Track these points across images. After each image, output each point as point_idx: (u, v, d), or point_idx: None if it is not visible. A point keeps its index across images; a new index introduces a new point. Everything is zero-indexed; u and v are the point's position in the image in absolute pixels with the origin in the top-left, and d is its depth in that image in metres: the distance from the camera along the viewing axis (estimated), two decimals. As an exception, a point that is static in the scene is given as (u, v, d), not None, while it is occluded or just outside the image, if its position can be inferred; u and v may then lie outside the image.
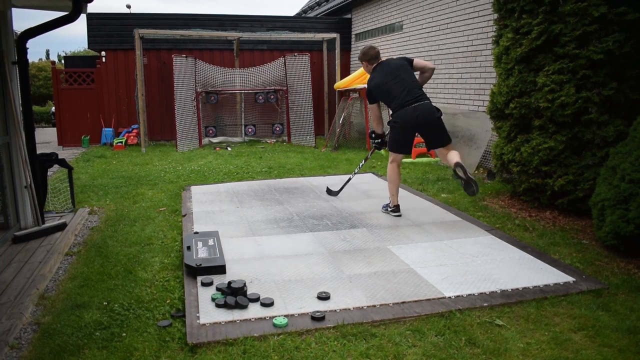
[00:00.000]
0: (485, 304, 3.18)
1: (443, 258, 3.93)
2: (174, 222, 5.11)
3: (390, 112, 4.97)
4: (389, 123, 4.99)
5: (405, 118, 4.72)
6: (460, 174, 4.53)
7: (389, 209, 5.11)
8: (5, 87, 4.58)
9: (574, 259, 3.93)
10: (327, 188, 5.97)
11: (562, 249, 4.16)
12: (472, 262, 3.84)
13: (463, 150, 7.47)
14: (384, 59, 5.10)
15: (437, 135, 4.79)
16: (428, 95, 8.80)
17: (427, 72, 4.97)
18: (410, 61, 4.95)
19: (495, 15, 5.51)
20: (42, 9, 5.24)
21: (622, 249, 3.93)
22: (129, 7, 23.93)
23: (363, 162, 5.86)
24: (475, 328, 2.92)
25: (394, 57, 5.26)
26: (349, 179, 5.87)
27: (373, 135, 5.36)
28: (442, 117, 4.80)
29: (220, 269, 3.65)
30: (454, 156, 4.67)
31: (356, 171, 5.89)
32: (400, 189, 6.24)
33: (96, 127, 11.56)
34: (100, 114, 11.56)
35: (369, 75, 5.10)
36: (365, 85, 9.80)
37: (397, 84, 4.80)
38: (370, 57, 5.04)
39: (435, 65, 5.16)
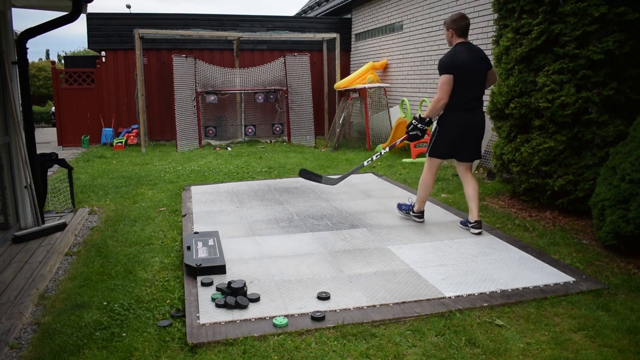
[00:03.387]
0: (485, 304, 3.18)
1: (443, 258, 3.93)
2: (174, 222, 5.11)
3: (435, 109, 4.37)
4: (438, 122, 4.49)
5: (462, 123, 4.31)
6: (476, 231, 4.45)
7: (412, 213, 4.80)
8: (5, 87, 4.58)
9: (574, 259, 3.93)
10: (321, 178, 5.07)
11: (562, 249, 4.16)
12: (472, 262, 3.84)
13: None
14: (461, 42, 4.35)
15: (475, 148, 4.47)
16: (427, 94, 8.77)
17: (489, 83, 4.50)
18: (489, 65, 4.39)
19: (495, 15, 5.51)
20: (42, 9, 5.25)
21: (622, 249, 3.93)
22: (129, 7, 23.98)
23: (381, 153, 4.95)
24: (475, 328, 2.92)
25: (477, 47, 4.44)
26: (357, 168, 5.09)
27: (418, 116, 4.49)
28: None
29: (220, 269, 3.65)
30: (474, 200, 4.45)
31: (365, 163, 5.02)
32: (400, 189, 6.26)
33: (96, 127, 11.56)
34: (100, 114, 11.57)
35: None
36: (365, 85, 10.00)
37: (473, 78, 4.26)
38: (459, 27, 4.29)
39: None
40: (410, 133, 4.56)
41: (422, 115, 4.49)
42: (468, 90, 4.26)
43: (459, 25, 4.28)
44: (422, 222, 4.76)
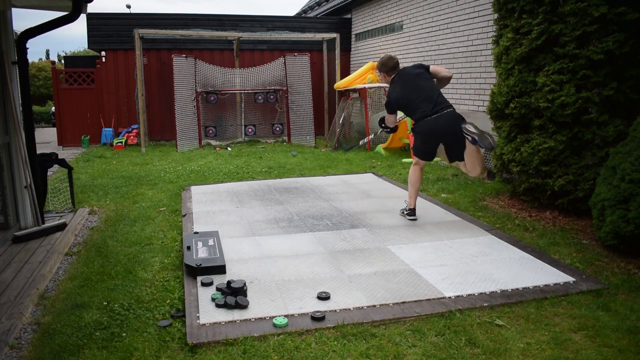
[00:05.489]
0: (485, 304, 3.18)
1: (443, 258, 3.93)
2: (174, 222, 5.11)
3: (413, 121, 4.86)
4: (412, 129, 4.90)
5: (426, 129, 4.65)
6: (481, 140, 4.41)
7: (405, 212, 5.01)
8: (5, 87, 4.58)
9: (574, 259, 3.93)
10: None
11: (562, 249, 4.16)
12: (472, 262, 3.84)
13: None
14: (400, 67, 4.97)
15: (458, 147, 4.58)
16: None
17: (443, 81, 4.84)
18: (426, 68, 4.80)
19: (495, 15, 5.51)
20: (42, 9, 5.24)
21: (622, 249, 3.93)
22: (129, 7, 23.96)
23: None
24: (475, 328, 2.92)
25: (409, 66, 5.00)
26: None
27: (383, 124, 5.17)
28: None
29: (220, 269, 3.65)
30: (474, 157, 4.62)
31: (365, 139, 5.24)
32: (400, 189, 6.26)
33: (96, 127, 11.56)
34: (100, 114, 11.57)
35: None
36: (365, 85, 10.01)
37: (418, 94, 4.67)
38: (389, 68, 4.88)
39: (452, 74, 4.89)
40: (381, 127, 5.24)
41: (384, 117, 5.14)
42: (418, 105, 4.63)
43: (388, 66, 4.86)
44: (415, 219, 4.91)
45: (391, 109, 4.93)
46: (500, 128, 5.43)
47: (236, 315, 3.04)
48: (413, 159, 4.98)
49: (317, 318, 2.97)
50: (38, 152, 5.04)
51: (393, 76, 4.88)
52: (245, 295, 3.23)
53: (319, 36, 11.63)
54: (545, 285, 3.43)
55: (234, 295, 3.19)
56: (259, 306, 3.14)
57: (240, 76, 11.27)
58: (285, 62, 11.18)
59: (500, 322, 2.98)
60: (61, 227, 4.75)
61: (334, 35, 11.33)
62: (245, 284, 3.31)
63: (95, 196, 6.28)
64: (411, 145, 5.18)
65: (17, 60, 4.70)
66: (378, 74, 5.06)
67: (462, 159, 4.63)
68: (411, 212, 4.94)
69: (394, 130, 5.22)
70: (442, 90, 4.79)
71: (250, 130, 11.51)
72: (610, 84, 4.49)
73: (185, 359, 2.67)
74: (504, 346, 2.73)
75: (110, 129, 11.39)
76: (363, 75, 10.57)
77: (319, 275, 3.62)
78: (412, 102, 4.69)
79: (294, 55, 11.18)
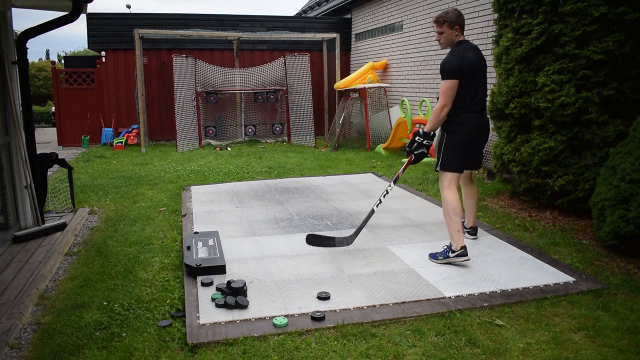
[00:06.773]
0: (485, 304, 3.18)
1: (443, 258, 3.93)
2: (174, 222, 5.11)
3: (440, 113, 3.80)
4: (444, 129, 3.87)
5: (474, 124, 3.81)
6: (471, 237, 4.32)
7: (452, 254, 3.76)
8: (5, 87, 4.58)
9: (574, 259, 3.93)
10: (334, 241, 4.09)
11: (562, 249, 4.16)
12: (472, 262, 3.84)
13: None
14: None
15: (480, 155, 4.12)
16: (427, 94, 8.77)
17: None
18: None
19: (495, 15, 5.51)
20: (42, 9, 5.25)
21: (622, 249, 3.93)
22: (129, 7, 23.96)
23: (392, 184, 4.09)
24: (475, 328, 2.92)
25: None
26: (371, 214, 4.15)
27: (421, 132, 3.88)
28: None
29: (220, 269, 3.65)
30: (472, 208, 4.31)
31: (382, 199, 4.11)
32: (400, 189, 6.25)
33: (96, 127, 11.57)
34: (100, 114, 11.57)
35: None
36: (365, 85, 10.00)
37: (480, 78, 3.85)
38: (462, 23, 3.85)
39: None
40: (416, 152, 3.92)
41: (424, 130, 3.89)
42: (477, 91, 3.82)
43: (463, 20, 3.86)
44: (468, 259, 3.79)
45: (457, 72, 3.70)
46: (500, 128, 5.43)
47: (236, 315, 3.04)
48: (444, 181, 3.87)
49: (317, 318, 2.97)
50: (38, 152, 5.04)
51: (461, 39, 3.87)
52: (245, 295, 3.23)
53: (319, 36, 11.63)
54: (545, 285, 3.43)
55: (234, 295, 3.19)
56: (259, 306, 3.14)
57: (240, 76, 11.27)
58: (285, 62, 11.18)
59: (500, 322, 2.98)
60: (61, 227, 4.75)
61: (334, 35, 11.34)
62: (245, 284, 3.31)
63: (95, 196, 6.28)
64: (437, 161, 3.98)
65: (17, 60, 4.70)
66: (437, 29, 3.89)
67: (477, 168, 4.21)
68: (464, 251, 3.76)
69: (421, 156, 3.97)
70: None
71: (250, 130, 11.52)
72: (610, 84, 4.49)
73: (185, 359, 2.67)
74: (504, 346, 2.73)
75: (110, 129, 11.39)
76: (363, 75, 10.58)
77: (319, 275, 3.62)
78: (473, 82, 3.79)
79: (294, 55, 11.18)
